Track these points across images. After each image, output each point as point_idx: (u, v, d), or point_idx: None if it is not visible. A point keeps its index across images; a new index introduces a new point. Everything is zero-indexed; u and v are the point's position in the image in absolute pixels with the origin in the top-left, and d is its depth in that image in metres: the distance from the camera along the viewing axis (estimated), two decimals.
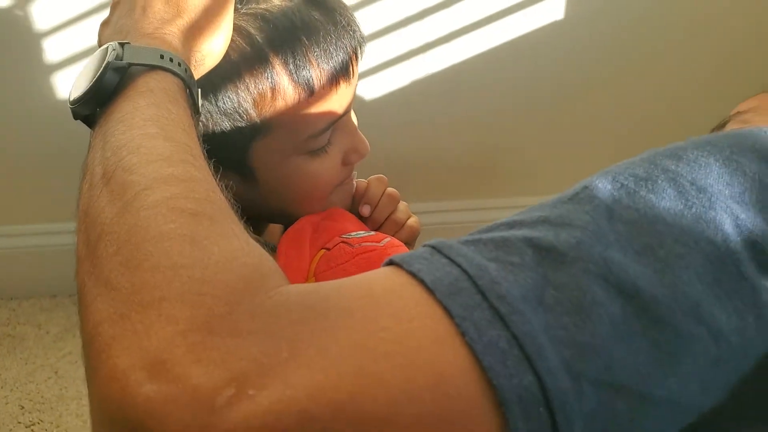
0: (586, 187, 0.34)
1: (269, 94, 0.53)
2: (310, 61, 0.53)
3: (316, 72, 0.53)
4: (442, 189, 1.29)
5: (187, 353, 0.26)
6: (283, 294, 0.29)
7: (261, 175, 0.58)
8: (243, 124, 0.54)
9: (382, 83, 1.17)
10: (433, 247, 0.32)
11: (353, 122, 0.62)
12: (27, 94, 1.09)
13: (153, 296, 0.28)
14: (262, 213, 0.64)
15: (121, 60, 0.41)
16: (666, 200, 0.32)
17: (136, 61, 0.42)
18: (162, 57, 0.43)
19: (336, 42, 0.54)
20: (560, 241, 0.30)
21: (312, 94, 0.54)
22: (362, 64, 1.13)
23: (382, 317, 0.28)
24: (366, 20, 1.11)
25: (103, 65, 0.41)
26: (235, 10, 0.53)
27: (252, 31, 0.53)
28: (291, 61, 0.53)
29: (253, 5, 0.53)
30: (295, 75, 0.53)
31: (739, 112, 0.67)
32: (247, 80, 0.53)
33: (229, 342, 0.26)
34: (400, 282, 0.30)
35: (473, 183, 1.30)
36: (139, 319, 0.27)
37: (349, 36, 0.55)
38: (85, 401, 1.20)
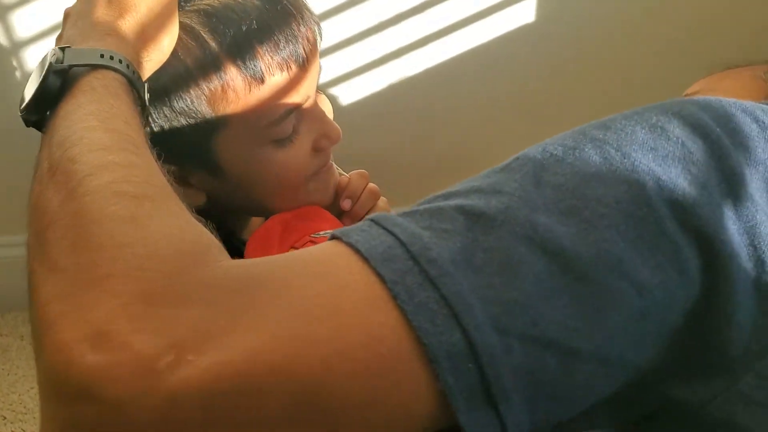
0: (517, 158, 0.36)
1: (220, 90, 0.54)
2: (257, 52, 0.53)
3: (265, 62, 0.54)
4: (421, 190, 1.31)
5: (128, 324, 0.27)
6: (222, 267, 0.30)
7: (229, 170, 0.59)
8: (199, 122, 0.55)
9: (361, 87, 1.18)
10: (372, 220, 0.33)
11: (320, 108, 0.62)
12: None
13: (98, 274, 0.29)
14: (240, 207, 0.64)
15: (62, 63, 0.43)
16: (591, 165, 0.33)
17: (76, 63, 0.43)
18: (102, 56, 0.44)
19: (283, 29, 0.54)
20: (490, 207, 0.32)
21: (263, 84, 0.54)
22: (340, 68, 1.16)
23: (319, 285, 0.29)
24: (343, 25, 1.12)
25: (45, 70, 0.42)
26: (180, 7, 0.53)
27: (197, 27, 0.53)
28: (238, 54, 0.53)
29: (197, 1, 0.54)
30: (243, 68, 0.53)
31: (688, 94, 0.69)
32: (197, 79, 0.53)
33: (169, 312, 0.28)
34: (338, 252, 0.31)
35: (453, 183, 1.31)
36: (83, 295, 0.28)
37: (297, 21, 0.56)
38: None
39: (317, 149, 0.62)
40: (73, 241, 0.31)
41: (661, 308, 0.32)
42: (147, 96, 0.47)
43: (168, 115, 0.54)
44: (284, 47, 0.54)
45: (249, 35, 0.53)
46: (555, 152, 0.35)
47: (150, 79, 0.51)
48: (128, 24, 0.48)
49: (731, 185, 0.34)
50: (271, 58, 0.54)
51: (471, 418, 0.28)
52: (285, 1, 0.55)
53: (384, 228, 0.32)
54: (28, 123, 0.43)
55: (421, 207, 0.34)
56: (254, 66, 0.53)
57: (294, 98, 0.57)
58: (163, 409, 0.25)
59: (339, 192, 0.68)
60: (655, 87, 1.25)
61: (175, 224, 0.33)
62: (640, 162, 0.33)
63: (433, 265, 0.29)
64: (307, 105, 0.59)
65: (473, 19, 1.14)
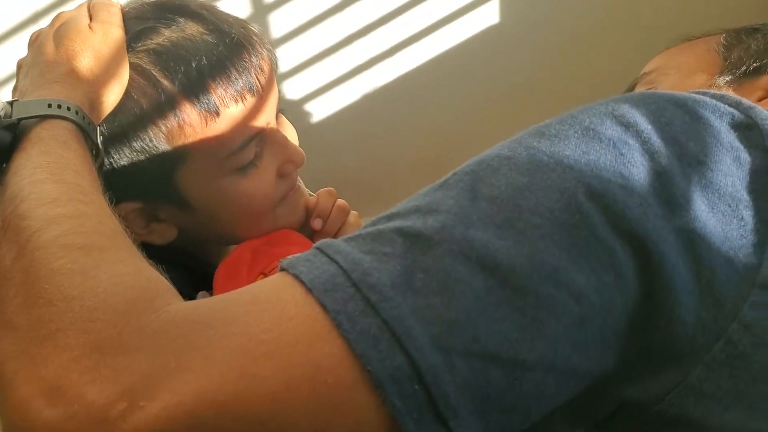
0: (455, 173, 0.36)
1: (177, 127, 0.54)
2: (209, 87, 0.54)
3: (218, 95, 0.54)
4: (398, 199, 1.32)
5: (81, 376, 0.28)
6: (170, 311, 0.31)
7: (195, 203, 0.59)
8: (160, 159, 0.55)
9: (334, 100, 1.20)
10: (318, 248, 0.34)
11: (282, 134, 0.63)
12: None
13: (49, 329, 0.30)
14: (212, 237, 0.65)
15: (10, 117, 0.43)
16: (524, 175, 0.34)
17: (24, 115, 0.44)
18: (50, 106, 0.45)
19: (235, 62, 0.55)
20: (426, 227, 0.33)
21: (219, 116, 0.55)
22: (311, 84, 1.17)
23: (264, 321, 0.30)
24: (311, 41, 1.14)
25: None
26: (129, 49, 0.54)
27: (148, 67, 0.54)
28: (190, 91, 0.54)
29: (146, 41, 0.55)
30: (197, 103, 0.54)
31: (645, 73, 0.65)
32: (153, 117, 0.54)
33: (119, 360, 0.29)
34: (284, 285, 0.32)
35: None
36: (37, 351, 0.30)
37: (249, 52, 0.56)
38: None
39: (282, 174, 0.63)
40: (24, 298, 0.32)
41: (601, 312, 0.32)
42: (100, 139, 0.48)
43: (129, 155, 0.55)
44: (237, 79, 0.55)
45: (200, 71, 0.54)
46: (491, 163, 0.35)
47: (107, 120, 0.52)
48: (77, 69, 0.49)
49: (663, 183, 0.34)
50: (225, 90, 0.54)
51: None
52: (235, 34, 0.56)
53: (327, 256, 0.32)
54: None
55: (364, 230, 0.34)
56: (208, 100, 0.54)
57: (253, 126, 0.57)
58: None
59: (309, 212, 0.68)
60: (623, 86, 1.27)
61: (123, 272, 0.34)
62: (572, 168, 0.34)
63: (374, 291, 0.30)
64: (268, 132, 0.60)
65: (439, 25, 1.16)
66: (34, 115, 0.44)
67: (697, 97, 0.39)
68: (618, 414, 0.37)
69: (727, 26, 0.64)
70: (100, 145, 0.48)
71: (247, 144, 0.57)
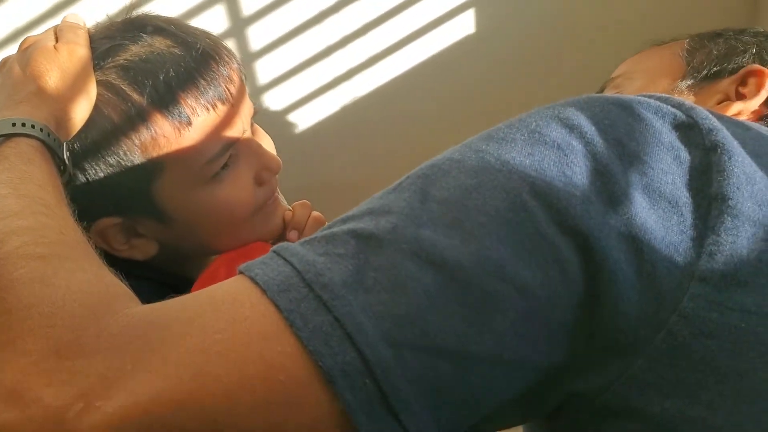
0: (408, 177, 0.38)
1: (150, 139, 0.55)
2: (179, 97, 0.55)
3: (189, 105, 0.55)
4: None
5: (38, 379, 0.29)
6: (128, 314, 0.32)
7: (173, 214, 0.60)
8: (136, 172, 0.56)
9: (310, 112, 1.21)
10: (275, 251, 0.35)
11: (257, 142, 0.63)
12: None
13: (8, 336, 0.31)
14: (192, 250, 0.65)
15: None
16: (472, 177, 0.35)
17: None
18: (14, 125, 0.46)
19: (203, 72, 0.56)
20: (379, 228, 0.34)
21: (191, 126, 0.56)
22: (291, 96, 1.18)
23: (219, 321, 0.31)
24: (287, 54, 1.15)
25: None
26: (98, 66, 0.55)
27: (117, 82, 0.55)
28: (160, 103, 0.55)
29: (115, 58, 0.56)
30: (168, 115, 0.55)
31: (612, 78, 0.68)
32: (126, 131, 0.55)
33: (77, 363, 0.30)
34: (240, 287, 0.33)
35: None
36: None
37: (216, 63, 0.57)
38: None
39: (259, 182, 0.63)
40: None
41: (547, 307, 0.33)
42: (67, 155, 0.49)
43: (104, 170, 0.56)
44: (206, 89, 0.56)
45: (168, 82, 0.55)
46: (442, 166, 0.37)
47: (80, 137, 0.53)
48: (42, 88, 0.50)
49: (605, 182, 0.35)
50: (195, 100, 0.55)
51: (374, 430, 0.30)
52: (201, 46, 0.57)
53: (283, 258, 0.34)
54: None
55: (320, 234, 0.36)
56: (179, 111, 0.55)
57: (227, 135, 0.58)
58: None
59: (285, 225, 0.69)
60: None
61: (82, 279, 0.35)
62: (517, 169, 0.35)
63: (326, 290, 0.31)
64: (242, 141, 0.60)
65: (416, 35, 1.17)
66: None
67: (641, 99, 0.40)
68: (565, 406, 0.38)
69: (705, 30, 0.66)
70: (67, 161, 0.49)
71: (224, 152, 0.58)
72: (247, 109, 0.61)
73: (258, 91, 1.18)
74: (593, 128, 0.37)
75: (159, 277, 0.62)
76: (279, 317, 0.31)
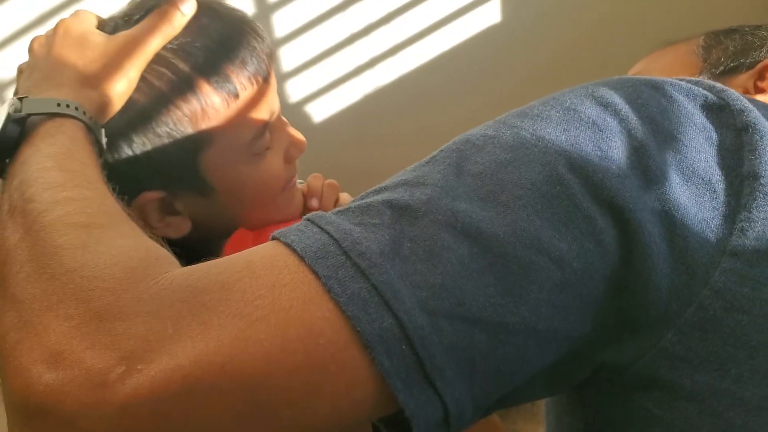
0: (442, 150, 0.38)
1: (200, 109, 0.57)
2: (227, 69, 0.57)
3: (236, 78, 0.57)
4: None
5: (80, 342, 0.29)
6: (168, 278, 0.32)
7: (218, 187, 0.61)
8: (184, 142, 0.57)
9: (332, 101, 1.21)
10: (308, 219, 0.35)
11: (284, 120, 0.66)
12: None
13: (51, 301, 0.32)
14: (225, 227, 0.66)
15: (20, 112, 0.45)
16: (507, 151, 0.36)
17: (34, 111, 0.46)
18: (59, 105, 0.47)
19: (245, 47, 0.58)
20: (414, 199, 0.34)
21: (238, 99, 0.58)
22: (312, 85, 1.18)
23: (258, 287, 0.31)
24: (313, 41, 1.15)
25: (3, 119, 0.45)
26: None
27: (166, 55, 0.56)
28: (209, 73, 0.56)
29: None
30: (216, 85, 0.57)
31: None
32: (176, 101, 0.56)
33: (117, 326, 0.30)
34: (277, 253, 0.33)
35: None
36: (39, 322, 0.31)
37: (255, 39, 0.59)
38: None
39: (288, 159, 0.66)
40: (28, 274, 0.34)
41: (582, 278, 0.34)
42: (105, 140, 0.51)
43: (153, 141, 0.57)
44: (249, 63, 0.58)
45: (216, 55, 0.56)
46: (476, 142, 0.37)
47: (127, 109, 0.54)
48: (84, 74, 0.51)
49: (640, 158, 0.36)
50: (241, 73, 0.57)
51: (410, 396, 0.30)
52: (241, 23, 0.59)
53: (319, 227, 0.34)
54: None
55: (354, 204, 0.36)
56: (227, 83, 0.57)
57: (266, 110, 0.61)
58: (115, 418, 0.28)
59: (304, 197, 0.71)
60: None
61: (123, 244, 0.35)
62: (553, 144, 0.35)
63: (363, 258, 0.31)
64: (275, 118, 0.63)
65: (441, 24, 1.17)
66: (43, 112, 0.46)
67: (673, 80, 0.41)
68: (594, 378, 0.38)
69: (728, 25, 0.66)
70: (104, 145, 0.50)
71: (265, 128, 0.60)
72: (275, 86, 0.63)
73: (281, 79, 1.18)
74: (627, 106, 0.38)
75: (187, 255, 0.63)
76: (317, 283, 0.31)
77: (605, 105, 0.38)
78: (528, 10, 1.17)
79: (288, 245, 0.33)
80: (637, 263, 0.34)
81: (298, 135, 0.66)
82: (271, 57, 0.62)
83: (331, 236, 0.33)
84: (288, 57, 1.17)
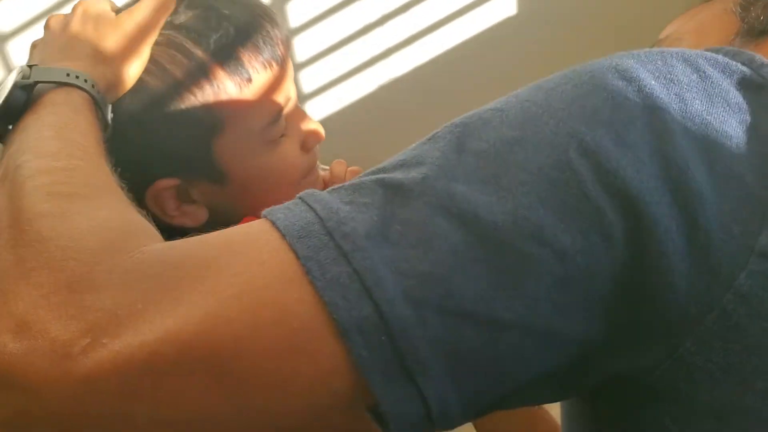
0: (446, 126, 0.36)
1: (213, 94, 0.57)
2: (240, 54, 0.57)
3: (250, 63, 0.57)
4: None
5: (48, 312, 0.29)
6: (144, 252, 0.32)
7: (231, 173, 0.61)
8: (198, 128, 0.57)
9: (345, 92, 1.20)
10: (300, 197, 0.34)
11: (302, 109, 0.66)
12: None
13: (24, 268, 0.31)
14: (244, 215, 0.66)
15: (29, 79, 0.45)
16: (515, 128, 0.33)
17: (42, 79, 0.46)
18: (68, 75, 0.47)
19: (260, 32, 0.58)
20: (408, 178, 0.32)
21: (252, 83, 0.57)
22: (326, 75, 1.18)
23: (236, 264, 0.30)
24: (327, 31, 1.15)
25: (11, 85, 0.45)
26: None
27: (179, 40, 0.56)
28: (223, 58, 0.56)
29: (174, 17, 0.58)
30: (231, 72, 0.57)
31: (660, 40, 0.63)
32: (189, 86, 0.56)
33: (86, 297, 0.29)
34: (260, 230, 0.32)
35: None
36: (11, 289, 0.30)
37: (270, 25, 0.60)
38: None
39: (306, 148, 0.65)
40: (6, 240, 0.33)
41: (586, 275, 0.31)
42: (111, 116, 0.50)
43: (166, 126, 0.57)
44: (263, 48, 0.58)
45: (229, 39, 0.56)
46: (483, 115, 0.34)
47: (140, 94, 0.54)
48: (98, 51, 0.51)
49: (661, 141, 0.33)
50: (255, 58, 0.57)
51: (387, 391, 0.29)
52: (255, 7, 0.59)
53: (307, 204, 0.32)
54: None
55: (349, 182, 0.34)
56: (240, 67, 0.57)
57: (281, 97, 0.60)
58: (78, 392, 0.27)
59: (325, 185, 0.70)
60: None
61: (104, 216, 0.35)
62: (565, 123, 0.32)
63: (347, 240, 0.30)
64: (291, 105, 0.62)
65: (455, 16, 1.16)
66: (51, 80, 0.46)
67: (708, 54, 0.37)
68: (607, 386, 0.36)
69: None
70: (109, 121, 0.50)
71: (279, 115, 0.60)
72: (292, 73, 0.63)
73: (296, 68, 1.18)
74: (653, 82, 0.34)
75: None
76: (297, 264, 0.30)
77: (629, 80, 0.34)
78: (544, 2, 1.16)
79: (273, 223, 0.32)
80: (650, 262, 0.31)
81: (316, 124, 0.65)
82: (287, 43, 0.62)
83: (317, 214, 0.31)
84: (303, 47, 1.17)
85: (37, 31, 1.12)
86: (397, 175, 0.33)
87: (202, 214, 0.62)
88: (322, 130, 0.65)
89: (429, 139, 0.35)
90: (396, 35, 1.16)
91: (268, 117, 0.59)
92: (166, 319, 0.28)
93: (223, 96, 0.56)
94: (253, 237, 0.32)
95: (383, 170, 0.34)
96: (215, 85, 0.56)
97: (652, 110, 0.33)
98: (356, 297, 0.29)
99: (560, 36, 1.19)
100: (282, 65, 0.60)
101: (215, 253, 0.31)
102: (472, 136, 0.33)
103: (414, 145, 0.36)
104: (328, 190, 0.34)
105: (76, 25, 0.53)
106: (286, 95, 0.61)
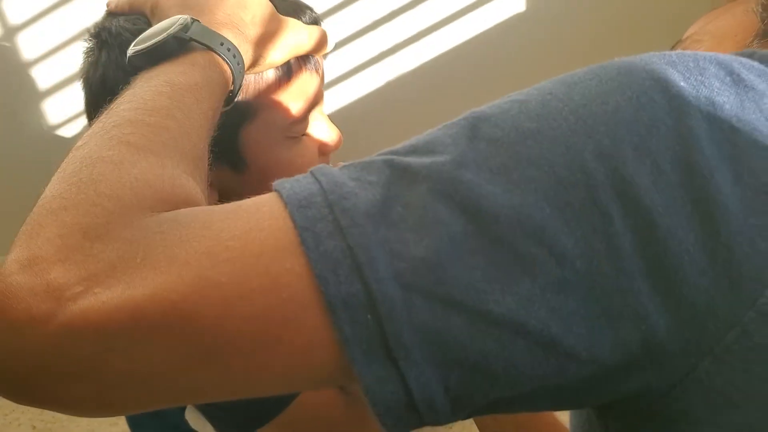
0: (464, 114, 0.35)
1: (253, 81, 0.56)
2: None
3: (294, 62, 0.57)
4: None
5: (57, 252, 0.29)
6: (169, 211, 0.32)
7: (251, 163, 0.60)
8: (231, 111, 0.58)
9: (354, 88, 1.21)
10: (311, 171, 0.33)
11: (325, 114, 0.67)
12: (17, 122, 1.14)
13: (60, 204, 0.31)
14: None
15: (186, 33, 0.45)
16: (533, 121, 0.32)
17: (197, 39, 0.45)
18: (222, 44, 0.46)
19: None
20: (416, 162, 0.31)
21: (290, 78, 0.58)
22: (337, 70, 1.18)
23: (237, 228, 0.30)
24: (337, 26, 1.15)
25: (167, 32, 0.44)
26: None
27: None
28: None
29: None
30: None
31: (681, 40, 0.61)
32: None
33: (96, 246, 0.29)
34: (267, 199, 0.32)
35: None
36: (40, 222, 0.31)
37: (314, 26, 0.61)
38: (97, 421, 1.23)
39: (323, 152, 0.66)
40: (63, 176, 0.33)
41: (585, 281, 0.30)
42: (239, 97, 0.50)
43: None
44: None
45: None
46: (502, 105, 0.33)
47: None
48: (253, 32, 0.51)
49: (685, 148, 0.31)
50: (298, 59, 0.58)
51: (367, 369, 0.28)
52: (303, 8, 0.60)
53: (315, 177, 0.32)
54: (129, 64, 0.45)
55: (361, 159, 0.33)
56: (285, 64, 0.58)
57: (312, 99, 0.61)
58: (58, 337, 0.27)
59: None
60: None
61: (156, 174, 0.34)
62: (585, 121, 0.31)
63: (346, 215, 0.29)
64: (318, 108, 0.64)
65: (464, 13, 1.16)
66: (205, 44, 0.45)
67: (743, 59, 0.35)
68: (614, 405, 0.34)
69: None
70: (236, 98, 0.50)
71: (308, 114, 0.60)
72: (323, 78, 0.64)
73: None
74: (682, 84, 0.33)
75: None
76: (294, 233, 0.29)
77: (656, 80, 0.32)
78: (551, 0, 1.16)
79: (279, 192, 0.31)
80: (663, 276, 0.30)
81: (336, 130, 0.65)
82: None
83: (322, 186, 0.31)
84: None
85: (45, 24, 1.13)
86: (407, 158, 0.32)
87: (213, 198, 0.63)
88: (341, 138, 0.65)
89: (444, 125, 0.34)
90: (404, 32, 1.16)
91: (297, 114, 0.59)
92: (159, 276, 0.28)
93: (262, 86, 0.57)
94: (259, 204, 0.32)
95: (395, 152, 0.33)
96: (260, 74, 0.56)
97: (678, 114, 0.32)
98: (346, 273, 0.28)
99: (568, 32, 1.19)
100: (317, 67, 0.61)
101: (222, 217, 0.31)
102: (487, 121, 0.32)
103: (429, 130, 0.35)
104: (340, 166, 0.34)
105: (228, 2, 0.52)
106: (317, 98, 0.62)
